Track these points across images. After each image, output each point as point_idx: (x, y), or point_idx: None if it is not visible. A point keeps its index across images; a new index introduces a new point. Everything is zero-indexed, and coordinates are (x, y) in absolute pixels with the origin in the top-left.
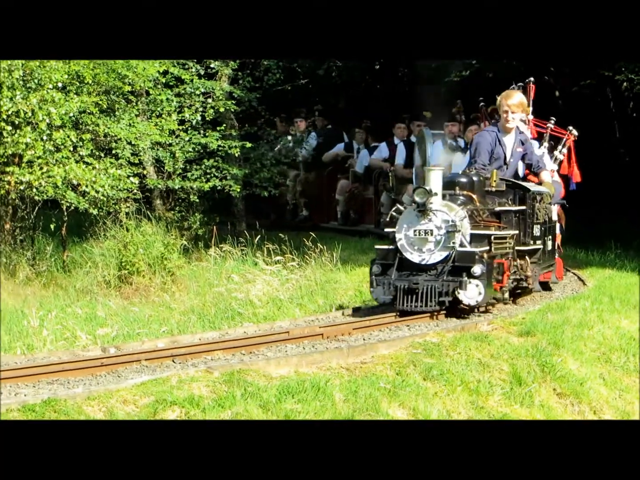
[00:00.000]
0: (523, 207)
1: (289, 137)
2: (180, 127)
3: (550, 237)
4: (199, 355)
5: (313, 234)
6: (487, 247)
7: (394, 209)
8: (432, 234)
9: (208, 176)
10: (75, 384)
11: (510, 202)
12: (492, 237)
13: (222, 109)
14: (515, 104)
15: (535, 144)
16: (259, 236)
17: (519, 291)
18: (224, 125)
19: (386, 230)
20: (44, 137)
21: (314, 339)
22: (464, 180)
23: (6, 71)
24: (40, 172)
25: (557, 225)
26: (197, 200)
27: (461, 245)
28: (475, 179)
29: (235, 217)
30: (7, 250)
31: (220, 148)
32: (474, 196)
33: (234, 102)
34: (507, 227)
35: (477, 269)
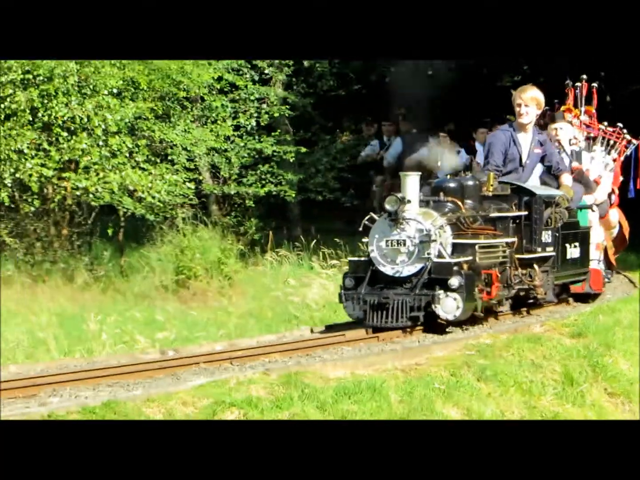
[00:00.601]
0: (524, 213)
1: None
2: (235, 133)
3: (576, 243)
4: (256, 358)
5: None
6: (470, 257)
7: (366, 217)
8: (404, 245)
9: (263, 181)
10: (135, 387)
11: (514, 207)
12: (477, 247)
13: (276, 115)
14: (529, 97)
15: (601, 150)
16: (315, 240)
17: (530, 301)
18: (279, 130)
19: (364, 240)
20: (100, 143)
21: (369, 341)
22: (450, 185)
23: (61, 77)
24: (96, 178)
25: (599, 232)
26: (253, 205)
27: (439, 255)
28: (470, 182)
29: (290, 221)
30: (64, 255)
31: (275, 153)
32: (460, 202)
33: (288, 107)
34: (502, 234)
35: (454, 281)
